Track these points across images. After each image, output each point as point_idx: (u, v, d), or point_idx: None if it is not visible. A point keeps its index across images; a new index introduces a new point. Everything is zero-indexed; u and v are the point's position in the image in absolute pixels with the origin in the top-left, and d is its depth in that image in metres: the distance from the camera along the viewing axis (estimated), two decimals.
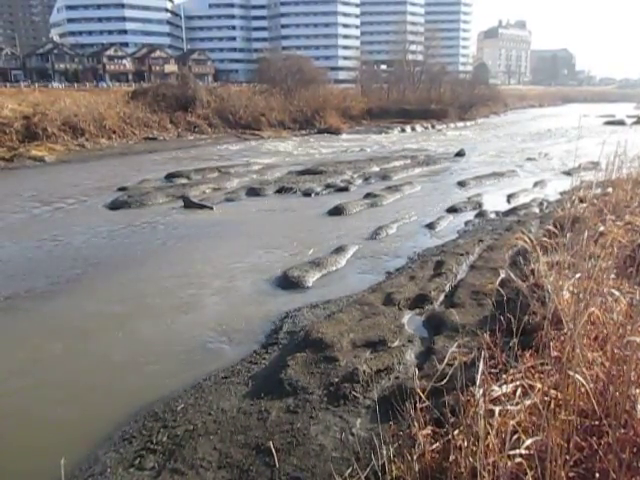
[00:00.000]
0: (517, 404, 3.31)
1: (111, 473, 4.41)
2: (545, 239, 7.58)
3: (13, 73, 69.65)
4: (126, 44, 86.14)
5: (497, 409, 3.20)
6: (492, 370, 3.93)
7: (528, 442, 2.91)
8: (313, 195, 16.94)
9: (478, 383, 3.33)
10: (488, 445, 3.04)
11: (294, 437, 4.62)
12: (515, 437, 2.99)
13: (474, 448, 3.09)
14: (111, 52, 78.06)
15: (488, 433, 3.06)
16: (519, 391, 3.39)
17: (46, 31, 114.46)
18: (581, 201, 9.85)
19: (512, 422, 3.07)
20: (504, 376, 3.81)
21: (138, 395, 5.63)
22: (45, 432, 5.14)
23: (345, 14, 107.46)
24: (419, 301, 7.57)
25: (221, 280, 9.24)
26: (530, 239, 6.17)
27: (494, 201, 15.35)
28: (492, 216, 13.46)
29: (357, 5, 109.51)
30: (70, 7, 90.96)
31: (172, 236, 12.23)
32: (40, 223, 13.80)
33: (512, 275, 6.68)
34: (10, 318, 7.78)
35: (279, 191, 17.44)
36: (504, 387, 3.49)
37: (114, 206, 15.49)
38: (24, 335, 7.26)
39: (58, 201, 16.58)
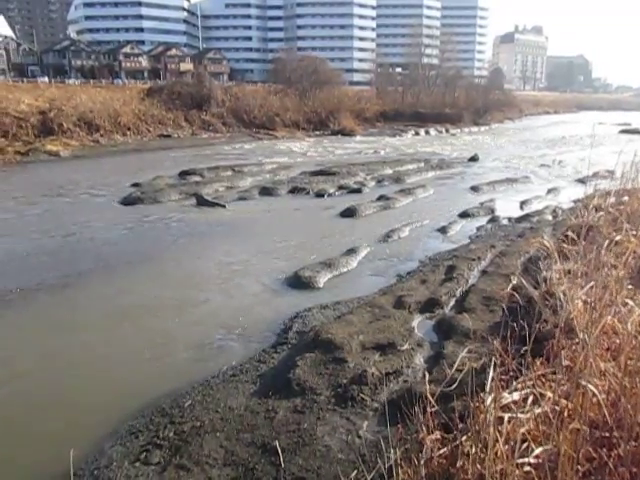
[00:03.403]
0: (527, 412, 3.28)
1: (117, 467, 4.43)
2: (558, 246, 7.51)
3: (30, 69, 70.17)
4: (142, 42, 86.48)
5: (506, 416, 3.17)
6: (502, 377, 3.89)
7: (538, 451, 2.88)
8: (326, 196, 16.94)
9: (488, 389, 3.30)
10: (497, 452, 3.00)
11: (300, 437, 4.62)
12: (524, 445, 2.96)
13: (482, 455, 3.06)
14: (127, 49, 78.42)
15: (497, 440, 3.02)
16: (530, 399, 3.35)
17: (63, 28, 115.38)
18: (595, 209, 9.76)
19: (522, 430, 3.04)
20: (514, 383, 3.77)
21: (145, 390, 5.66)
22: (53, 424, 5.18)
23: (361, 16, 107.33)
24: (430, 305, 7.55)
25: (232, 278, 9.25)
26: (546, 245, 6.11)
27: (507, 207, 15.25)
28: (505, 222, 13.37)
29: (373, 8, 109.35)
30: (87, 4, 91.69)
31: (184, 233, 12.28)
32: (53, 217, 13.92)
33: (524, 282, 6.63)
34: (18, 310, 7.86)
35: (292, 191, 17.46)
36: (514, 394, 3.45)
37: (127, 202, 15.58)
38: (30, 328, 7.33)
39: (72, 196, 16.74)
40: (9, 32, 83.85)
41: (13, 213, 14.24)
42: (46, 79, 57.03)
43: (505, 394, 3.43)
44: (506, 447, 3.02)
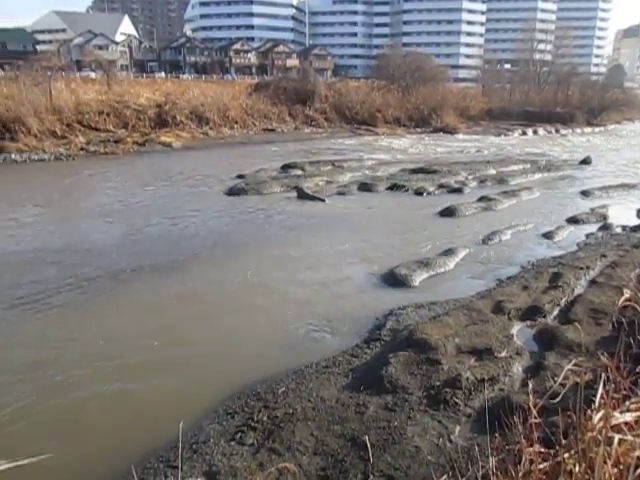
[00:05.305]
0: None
1: (213, 444, 4.65)
2: None
3: (149, 65, 75.22)
4: (252, 39, 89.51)
5: (617, 437, 2.95)
6: (613, 395, 3.62)
7: None
8: (425, 194, 16.65)
9: (597, 406, 3.10)
10: (604, 474, 2.81)
11: (390, 435, 4.60)
12: (638, 472, 2.74)
13: (587, 476, 2.88)
14: (238, 46, 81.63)
15: (605, 462, 2.83)
16: None
17: (180, 26, 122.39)
18: None
19: (635, 454, 2.82)
20: (627, 403, 3.50)
21: (242, 374, 5.89)
22: (161, 398, 5.56)
23: (470, 11, 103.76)
24: (531, 313, 7.21)
25: (329, 272, 9.37)
26: None
27: (621, 214, 14.16)
28: (618, 230, 12.43)
29: (484, 1, 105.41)
30: (203, 4, 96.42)
31: (285, 225, 12.62)
32: (165, 203, 14.86)
33: (639, 295, 6.13)
34: (133, 288, 8.48)
35: (390, 188, 17.33)
36: (626, 415, 3.21)
37: (232, 192, 16.27)
38: (141, 304, 7.88)
39: (181, 184, 17.77)
40: (133, 31, 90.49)
41: (129, 199, 15.37)
42: (163, 74, 60.86)
43: (616, 414, 3.20)
44: (615, 470, 2.81)
